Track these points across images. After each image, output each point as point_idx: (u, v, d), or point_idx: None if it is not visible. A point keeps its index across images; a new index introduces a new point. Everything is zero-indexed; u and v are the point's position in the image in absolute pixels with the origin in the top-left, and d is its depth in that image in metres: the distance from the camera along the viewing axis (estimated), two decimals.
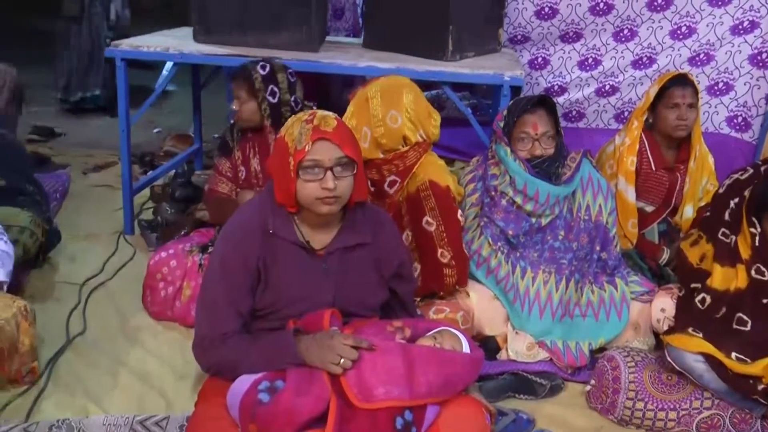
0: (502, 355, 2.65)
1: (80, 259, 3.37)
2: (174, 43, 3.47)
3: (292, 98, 2.90)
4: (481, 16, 3.59)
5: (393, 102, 2.58)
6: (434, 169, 2.66)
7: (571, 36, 3.93)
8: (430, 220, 2.61)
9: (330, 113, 1.93)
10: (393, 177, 2.65)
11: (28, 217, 3.00)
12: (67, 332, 2.77)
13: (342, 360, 1.75)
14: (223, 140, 3.10)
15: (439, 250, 2.60)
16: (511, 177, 2.71)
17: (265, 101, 2.86)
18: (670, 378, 2.38)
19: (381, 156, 2.62)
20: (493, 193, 2.79)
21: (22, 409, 2.31)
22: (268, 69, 2.89)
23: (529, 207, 2.69)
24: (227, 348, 1.89)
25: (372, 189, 2.67)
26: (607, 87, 3.99)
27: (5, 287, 2.48)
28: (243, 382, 1.79)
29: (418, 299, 2.62)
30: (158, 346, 2.71)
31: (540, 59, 4.02)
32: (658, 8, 3.80)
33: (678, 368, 2.33)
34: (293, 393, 1.70)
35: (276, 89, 2.87)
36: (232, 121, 3.07)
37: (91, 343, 2.72)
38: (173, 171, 4.04)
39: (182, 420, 2.25)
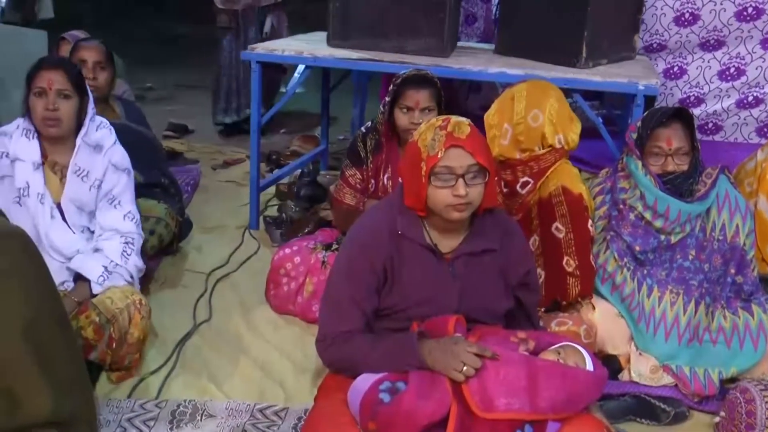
0: (624, 376, 2.55)
1: (207, 250, 3.52)
2: (307, 47, 3.58)
3: None
4: (617, 22, 3.51)
5: (537, 102, 2.59)
6: (568, 176, 2.62)
7: (712, 44, 3.75)
8: (560, 226, 2.57)
9: (464, 119, 1.93)
10: (526, 178, 2.63)
11: (164, 209, 3.18)
12: (194, 318, 2.91)
13: (465, 367, 1.74)
14: (353, 149, 3.07)
15: (565, 258, 2.55)
16: (641, 192, 2.61)
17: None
18: None
19: (517, 156, 2.62)
20: (621, 206, 2.70)
21: (153, 387, 2.45)
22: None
23: (658, 223, 2.58)
24: (350, 346, 1.92)
25: (505, 189, 2.66)
26: (750, 98, 3.78)
27: (137, 283, 2.61)
28: (365, 381, 1.82)
29: (541, 309, 2.57)
30: (279, 338, 2.79)
31: (676, 68, 3.86)
32: None
33: None
34: (415, 396, 1.71)
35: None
36: (364, 130, 3.08)
37: (215, 330, 2.84)
38: (299, 170, 4.16)
39: (301, 412, 2.31)
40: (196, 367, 2.58)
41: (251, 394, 2.43)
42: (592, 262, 2.61)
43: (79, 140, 2.52)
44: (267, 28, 5.23)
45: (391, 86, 2.90)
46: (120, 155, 2.64)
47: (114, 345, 2.37)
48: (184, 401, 2.36)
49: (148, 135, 3.40)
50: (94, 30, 4.03)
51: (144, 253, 2.91)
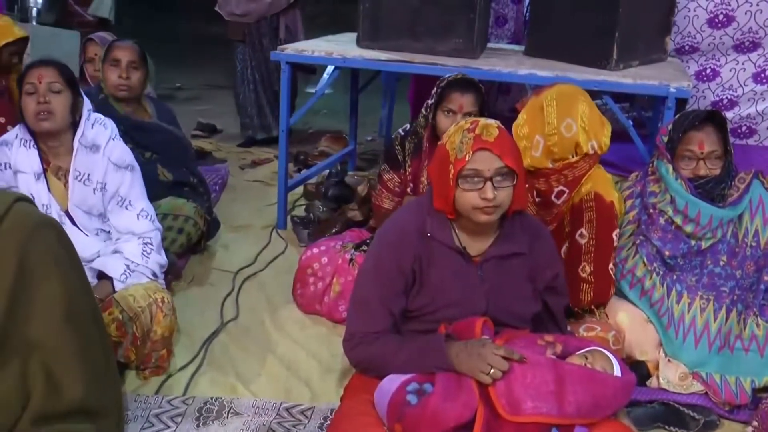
0: (652, 383, 2.52)
1: (234, 249, 3.54)
2: (337, 48, 3.59)
3: None
4: (649, 24, 3.47)
5: (568, 110, 2.54)
6: (602, 182, 2.59)
7: (746, 45, 3.69)
8: (584, 232, 2.55)
9: (492, 122, 1.92)
10: (561, 188, 2.59)
11: (193, 208, 3.21)
12: (221, 316, 2.93)
13: (492, 370, 1.73)
14: (391, 152, 3.08)
15: (582, 264, 2.53)
16: (671, 196, 2.58)
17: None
18: None
19: (550, 165, 2.57)
20: (651, 210, 2.66)
21: (180, 384, 2.47)
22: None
23: (689, 228, 2.55)
24: (377, 346, 1.93)
25: (538, 199, 2.63)
26: None
27: (161, 279, 2.63)
28: (391, 382, 1.82)
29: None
30: (305, 338, 2.80)
31: (708, 70, 3.80)
32: None
33: None
34: (441, 398, 1.71)
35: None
36: (403, 133, 3.06)
37: (242, 329, 2.86)
38: (327, 170, 4.18)
39: (327, 411, 2.32)
40: (223, 364, 2.60)
41: (277, 393, 2.44)
42: (611, 272, 2.57)
43: (76, 143, 2.50)
44: (282, 33, 5.11)
45: (436, 88, 2.90)
46: (119, 152, 2.59)
47: (138, 343, 2.40)
48: (211, 399, 2.38)
49: (179, 134, 3.44)
50: (123, 32, 4.08)
51: (171, 250, 2.95)
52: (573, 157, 2.56)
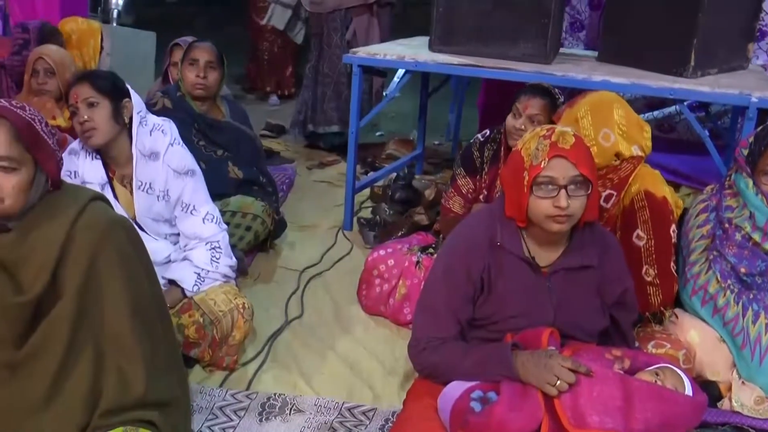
0: (724, 404, 2.43)
1: (300, 248, 3.58)
2: (409, 51, 3.60)
3: None
4: (730, 30, 3.35)
5: (604, 120, 2.50)
6: (650, 179, 2.53)
7: None
8: (641, 233, 2.49)
9: (569, 129, 1.90)
10: (609, 191, 2.55)
11: (261, 207, 3.27)
12: (286, 314, 2.97)
13: (558, 381, 1.71)
14: (468, 157, 3.06)
15: (644, 267, 2.48)
16: (750, 211, 2.49)
17: None
18: None
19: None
20: (726, 225, 2.58)
21: (244, 378, 2.52)
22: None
23: None
24: (443, 352, 1.93)
25: None
26: None
27: (234, 280, 2.69)
28: (455, 388, 1.82)
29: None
30: (369, 339, 2.81)
31: None
32: None
33: None
34: (506, 407, 1.70)
35: None
36: (482, 138, 3.05)
37: (306, 327, 2.89)
38: (394, 173, 4.18)
39: (388, 414, 2.33)
40: (286, 361, 2.63)
41: (339, 392, 2.46)
42: (673, 270, 2.52)
43: (134, 150, 2.50)
44: (349, 35, 5.03)
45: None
46: (178, 158, 2.57)
47: (215, 346, 2.46)
48: (274, 395, 2.42)
49: (250, 134, 3.50)
50: (201, 33, 4.17)
51: (238, 248, 2.99)
52: (615, 161, 2.52)
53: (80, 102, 2.44)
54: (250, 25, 6.62)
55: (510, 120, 2.88)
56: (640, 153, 2.53)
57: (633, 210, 2.51)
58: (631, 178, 2.53)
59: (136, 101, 2.54)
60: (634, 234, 2.50)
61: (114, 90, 2.49)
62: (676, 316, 2.54)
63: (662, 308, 2.53)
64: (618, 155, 2.51)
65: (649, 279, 2.48)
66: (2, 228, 1.78)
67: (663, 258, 2.48)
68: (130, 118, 2.50)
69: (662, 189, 2.53)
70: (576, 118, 2.53)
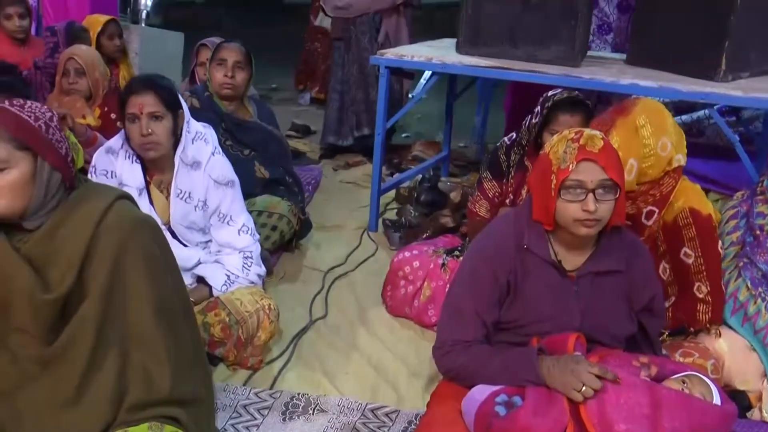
0: (754, 415, 2.39)
1: (325, 248, 3.59)
2: (436, 53, 3.59)
3: None
4: (763, 32, 3.29)
5: (661, 128, 2.42)
6: (693, 195, 2.49)
7: None
8: (688, 251, 2.44)
9: (597, 132, 1.88)
10: (650, 207, 2.50)
11: (287, 206, 3.28)
12: (311, 314, 2.98)
13: (584, 387, 1.70)
14: (495, 160, 3.01)
15: (696, 284, 2.43)
16: None
17: None
18: None
19: (636, 187, 2.46)
20: (758, 232, 2.54)
21: (268, 377, 2.53)
22: None
23: None
24: (468, 355, 1.92)
25: (628, 223, 2.51)
26: None
27: (261, 282, 2.71)
28: (480, 392, 1.81)
29: (665, 333, 2.46)
30: (393, 340, 2.81)
31: None
32: None
33: None
34: (531, 412, 1.69)
35: None
36: (509, 142, 3.00)
37: (331, 327, 2.90)
38: (420, 175, 4.18)
39: (411, 416, 2.32)
40: (310, 361, 2.64)
41: (363, 393, 2.46)
42: (723, 288, 2.47)
43: (177, 158, 2.50)
44: (381, 37, 4.93)
45: (540, 108, 2.77)
46: (219, 168, 2.58)
47: (240, 346, 2.48)
48: (298, 394, 2.43)
49: (277, 134, 3.52)
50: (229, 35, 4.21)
51: (264, 247, 3.00)
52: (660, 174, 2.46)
53: (144, 114, 2.41)
54: (309, 25, 6.68)
55: (548, 138, 2.71)
56: (683, 162, 2.47)
57: (677, 227, 2.46)
58: (672, 195, 2.47)
59: (185, 110, 2.54)
60: (682, 251, 2.46)
61: (175, 103, 2.49)
62: (719, 334, 2.48)
63: (708, 326, 2.48)
64: (667, 165, 2.44)
65: (701, 296, 2.44)
66: (21, 227, 1.78)
67: (714, 275, 2.44)
68: (181, 129, 2.52)
69: (707, 206, 2.48)
70: (635, 126, 2.40)
